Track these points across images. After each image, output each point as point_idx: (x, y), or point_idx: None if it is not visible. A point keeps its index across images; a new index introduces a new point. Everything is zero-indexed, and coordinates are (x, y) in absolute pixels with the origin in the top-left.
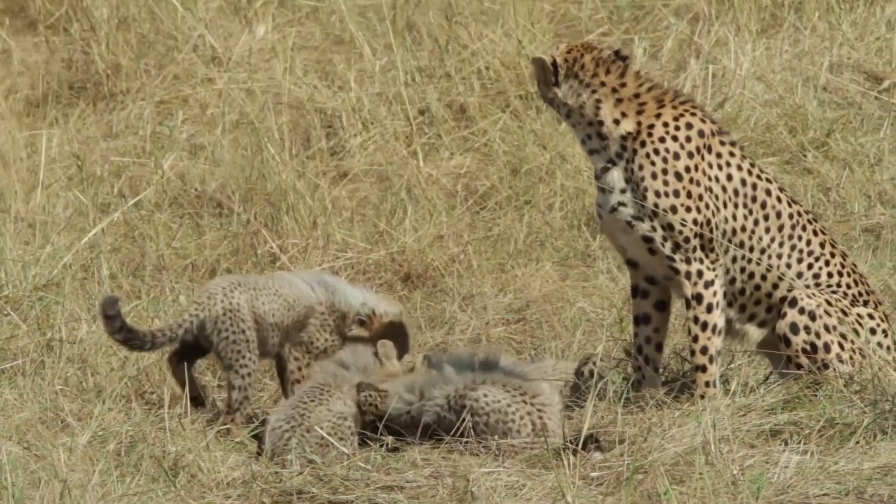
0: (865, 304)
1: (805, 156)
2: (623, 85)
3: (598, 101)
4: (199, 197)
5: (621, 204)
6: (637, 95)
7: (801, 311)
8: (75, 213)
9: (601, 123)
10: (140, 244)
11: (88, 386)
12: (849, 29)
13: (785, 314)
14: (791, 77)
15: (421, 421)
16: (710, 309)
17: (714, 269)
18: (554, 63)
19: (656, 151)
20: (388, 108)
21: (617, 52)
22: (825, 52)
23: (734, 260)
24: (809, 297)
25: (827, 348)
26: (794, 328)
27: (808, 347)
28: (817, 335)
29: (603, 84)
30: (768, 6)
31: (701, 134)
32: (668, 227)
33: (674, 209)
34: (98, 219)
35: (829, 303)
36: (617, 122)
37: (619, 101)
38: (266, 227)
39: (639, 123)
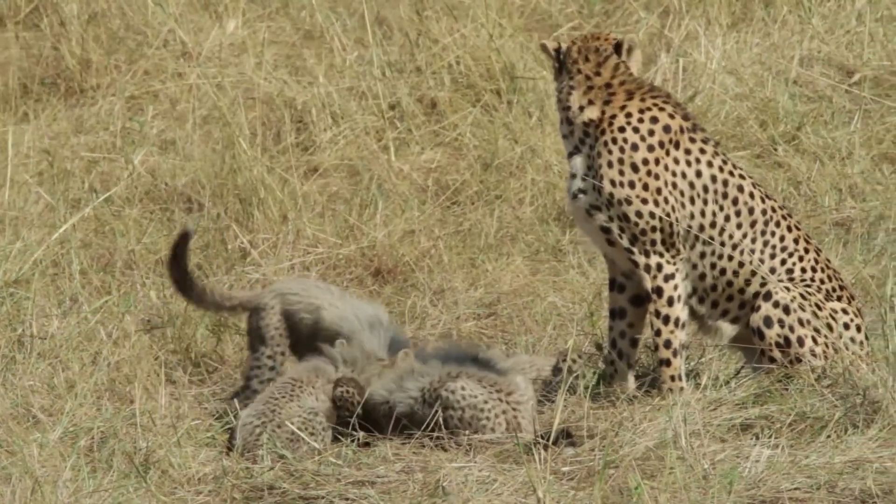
0: (839, 299)
1: (776, 149)
2: (597, 74)
3: (571, 87)
4: (170, 192)
5: (581, 191)
6: (609, 86)
7: (776, 304)
8: (46, 208)
9: (568, 108)
10: (110, 239)
11: (59, 382)
12: (819, 22)
13: (759, 307)
14: (761, 70)
15: (395, 412)
16: (670, 302)
17: (674, 263)
18: (557, 49)
19: (614, 141)
20: (359, 103)
21: (616, 44)
22: (796, 45)
23: (702, 256)
24: (784, 290)
25: (800, 342)
26: (768, 321)
27: (781, 341)
28: (791, 329)
29: (579, 71)
30: (738, 0)
31: (666, 129)
32: (624, 218)
33: (628, 200)
34: (68, 214)
35: (803, 297)
36: (582, 108)
37: (590, 88)
38: (236, 222)
39: (603, 112)
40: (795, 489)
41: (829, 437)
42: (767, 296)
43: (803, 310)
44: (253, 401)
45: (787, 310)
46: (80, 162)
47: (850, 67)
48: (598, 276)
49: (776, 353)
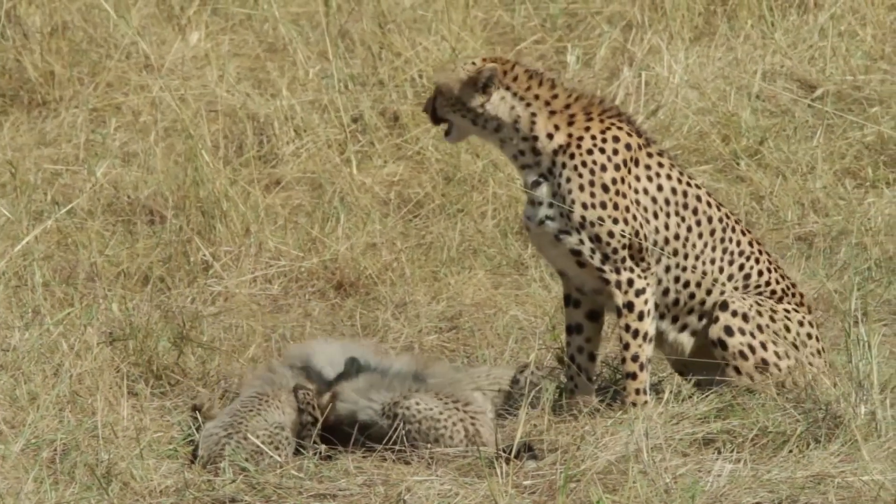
0: (793, 296)
1: (738, 164)
2: (555, 97)
3: (534, 114)
4: (132, 204)
5: (549, 218)
6: (568, 107)
7: (734, 313)
8: (8, 221)
9: (535, 139)
10: (73, 252)
11: (21, 394)
12: (782, 37)
13: (717, 318)
14: (724, 85)
15: (359, 420)
16: (641, 317)
17: (645, 278)
18: (493, 71)
19: (584, 164)
20: (321, 116)
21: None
22: (758, 60)
23: (667, 269)
24: (741, 299)
25: (764, 347)
26: (729, 331)
27: (745, 349)
28: (752, 335)
29: (537, 97)
30: (701, 14)
31: (628, 147)
32: (596, 239)
33: (601, 220)
34: (31, 226)
35: (758, 303)
36: (550, 136)
37: (552, 113)
38: (199, 234)
39: (569, 135)
40: (757, 503)
41: (791, 451)
42: (724, 305)
43: (761, 315)
44: None
45: (745, 317)
46: (43, 174)
47: (813, 82)
48: (560, 290)
49: (741, 363)
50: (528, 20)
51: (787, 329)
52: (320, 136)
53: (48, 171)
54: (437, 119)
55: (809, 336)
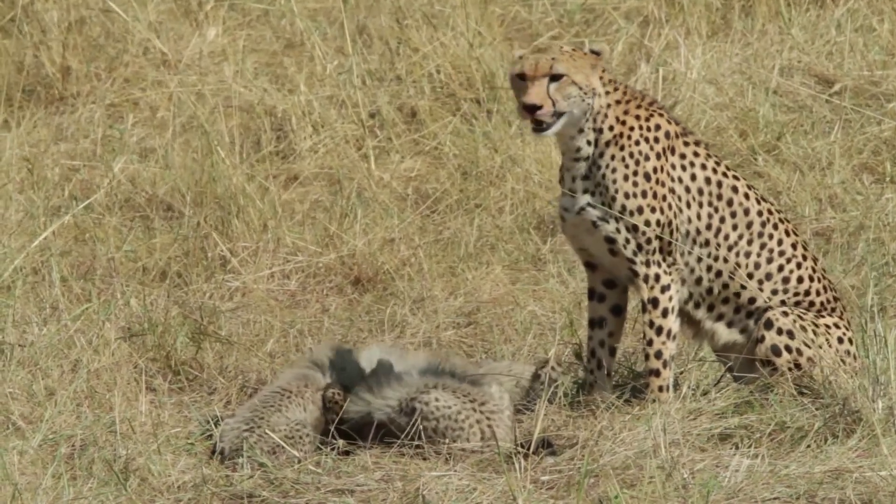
0: (832, 311)
1: (756, 159)
2: (616, 88)
3: (609, 105)
4: (150, 200)
5: (590, 205)
6: (624, 94)
7: (780, 331)
8: (26, 216)
9: (601, 131)
10: (91, 247)
11: (39, 389)
12: (799, 32)
13: (763, 337)
14: (741, 80)
15: (375, 420)
16: (665, 314)
17: (670, 274)
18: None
19: (631, 154)
20: (339, 112)
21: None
22: (775, 55)
23: (699, 259)
24: (784, 315)
25: (811, 363)
26: (776, 350)
27: (792, 366)
28: (799, 353)
29: (604, 85)
30: (718, 9)
31: (667, 135)
32: (633, 229)
33: (640, 210)
34: (49, 222)
35: (801, 317)
36: (612, 128)
37: (617, 103)
38: (216, 230)
39: (623, 123)
40: (775, 499)
41: (808, 446)
42: (769, 324)
43: (805, 330)
44: None
45: (791, 334)
46: (60, 169)
47: (830, 77)
48: (578, 286)
49: (789, 375)
50: (546, 15)
51: (829, 345)
52: (338, 131)
53: (65, 167)
54: (556, 113)
55: (848, 353)
